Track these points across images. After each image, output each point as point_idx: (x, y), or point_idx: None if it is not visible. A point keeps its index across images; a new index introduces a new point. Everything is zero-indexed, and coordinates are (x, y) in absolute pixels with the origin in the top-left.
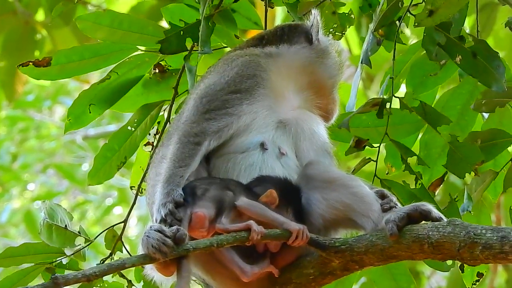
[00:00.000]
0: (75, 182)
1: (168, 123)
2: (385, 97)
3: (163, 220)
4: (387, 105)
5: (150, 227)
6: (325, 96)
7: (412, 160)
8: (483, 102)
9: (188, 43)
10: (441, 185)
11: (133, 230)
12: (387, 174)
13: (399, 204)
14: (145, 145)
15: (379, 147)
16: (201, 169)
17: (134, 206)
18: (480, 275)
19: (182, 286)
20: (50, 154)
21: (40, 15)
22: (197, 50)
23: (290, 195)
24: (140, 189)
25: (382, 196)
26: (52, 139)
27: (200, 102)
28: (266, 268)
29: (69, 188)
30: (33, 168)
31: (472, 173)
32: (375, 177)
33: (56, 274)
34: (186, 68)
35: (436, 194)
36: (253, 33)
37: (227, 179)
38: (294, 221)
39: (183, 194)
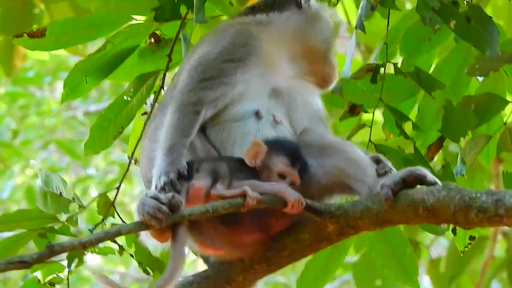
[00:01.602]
0: (77, 158)
1: (162, 90)
2: (379, 62)
3: (162, 189)
4: (381, 71)
5: (146, 194)
6: (320, 62)
7: (408, 126)
8: (476, 67)
9: (183, 11)
10: (440, 151)
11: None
12: (385, 140)
13: (394, 169)
14: (142, 114)
15: (373, 112)
16: (198, 139)
17: (136, 182)
18: (472, 238)
19: (177, 252)
20: (51, 131)
21: None
22: (192, 18)
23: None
24: (134, 157)
25: (377, 161)
26: (52, 115)
27: (195, 72)
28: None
29: (71, 164)
30: (34, 144)
31: (468, 137)
32: (370, 142)
33: (52, 242)
34: (181, 36)
35: (435, 160)
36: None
37: (225, 157)
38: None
39: (187, 167)
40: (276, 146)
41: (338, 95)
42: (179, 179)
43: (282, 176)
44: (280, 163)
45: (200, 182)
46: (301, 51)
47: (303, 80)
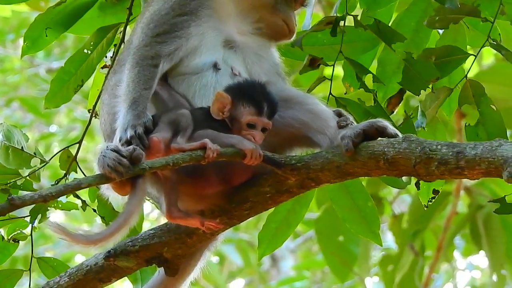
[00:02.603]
0: (40, 115)
1: (123, 44)
2: (339, 15)
3: (127, 142)
4: (341, 23)
5: (107, 146)
6: (269, 14)
7: (368, 78)
8: (436, 19)
9: None
10: (400, 105)
11: None
12: (345, 94)
13: (355, 123)
14: (102, 67)
15: (333, 65)
16: (165, 90)
17: (98, 138)
18: (436, 192)
19: (133, 203)
20: (14, 88)
21: None
22: None
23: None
24: (95, 111)
25: (339, 115)
26: (15, 73)
27: (148, 28)
28: None
29: (34, 121)
30: None
31: (428, 90)
32: (330, 95)
33: (12, 196)
34: None
35: (395, 113)
36: None
37: (193, 109)
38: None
39: (152, 120)
40: (240, 94)
41: (298, 48)
42: (148, 132)
43: (251, 126)
44: (246, 114)
45: (158, 135)
46: (250, 5)
47: (255, 36)
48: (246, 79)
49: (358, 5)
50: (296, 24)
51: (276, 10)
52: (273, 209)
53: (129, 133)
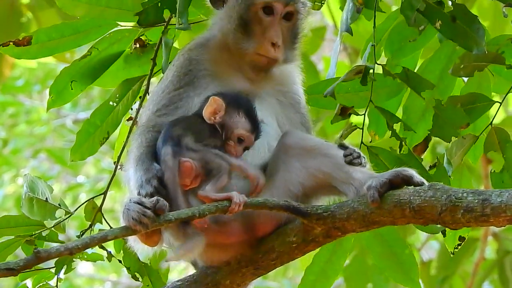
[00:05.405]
0: (67, 166)
1: (147, 94)
2: (368, 64)
3: (148, 195)
4: (370, 72)
5: (130, 199)
6: (242, 55)
7: (397, 127)
8: (461, 67)
9: (167, 15)
10: (426, 151)
11: None
12: (370, 142)
13: (362, 155)
14: (127, 120)
15: (364, 114)
16: None
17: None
18: (462, 239)
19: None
20: (40, 139)
21: None
22: (175, 24)
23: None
24: (120, 162)
25: (343, 148)
26: (42, 124)
27: (148, 110)
28: None
29: (61, 172)
30: (24, 153)
31: (460, 136)
32: (362, 144)
33: (38, 248)
34: (163, 42)
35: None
36: None
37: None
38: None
39: (160, 167)
40: (235, 104)
41: (330, 97)
42: (162, 181)
43: (240, 140)
44: (241, 126)
45: (190, 160)
46: (230, 55)
47: (268, 80)
48: (239, 93)
49: (382, 53)
50: (278, 44)
51: (245, 45)
52: (310, 260)
53: (147, 189)
